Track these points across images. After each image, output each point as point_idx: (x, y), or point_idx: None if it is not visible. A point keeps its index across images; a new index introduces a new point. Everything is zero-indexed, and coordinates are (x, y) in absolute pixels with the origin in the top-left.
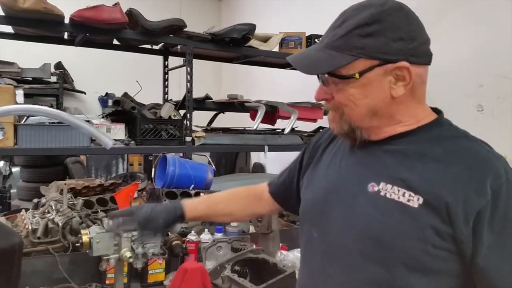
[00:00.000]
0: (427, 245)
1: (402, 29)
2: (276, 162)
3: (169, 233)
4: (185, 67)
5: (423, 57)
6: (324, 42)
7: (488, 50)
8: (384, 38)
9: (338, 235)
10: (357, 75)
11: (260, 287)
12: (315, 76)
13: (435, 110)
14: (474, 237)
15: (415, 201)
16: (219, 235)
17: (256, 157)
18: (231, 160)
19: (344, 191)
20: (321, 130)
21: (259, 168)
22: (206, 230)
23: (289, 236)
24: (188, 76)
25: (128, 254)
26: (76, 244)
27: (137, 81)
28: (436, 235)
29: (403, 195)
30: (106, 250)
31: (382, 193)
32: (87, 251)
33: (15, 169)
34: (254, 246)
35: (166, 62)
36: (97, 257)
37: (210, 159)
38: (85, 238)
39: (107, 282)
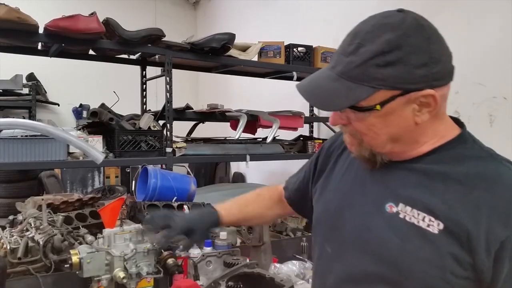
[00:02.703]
0: (446, 273)
1: (424, 52)
2: (256, 172)
3: (162, 250)
4: (162, 77)
5: (448, 77)
6: (337, 69)
7: (464, 58)
8: (406, 66)
9: (354, 257)
10: (378, 107)
11: None
12: (293, 84)
13: (456, 121)
14: (495, 266)
15: (435, 226)
16: (208, 249)
17: (235, 166)
18: (210, 171)
19: (359, 208)
20: (301, 138)
21: (239, 178)
22: (194, 244)
23: (278, 247)
24: (168, 86)
25: (122, 274)
26: (65, 265)
27: (114, 92)
28: (456, 263)
29: (423, 220)
30: (98, 271)
31: (401, 216)
32: (77, 272)
33: None
34: (248, 260)
35: (144, 72)
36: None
37: (189, 170)
38: (75, 259)
39: None
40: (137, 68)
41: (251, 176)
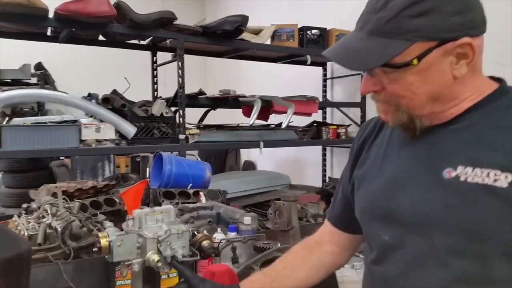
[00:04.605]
0: None
1: (457, 0)
2: (267, 160)
3: (195, 232)
4: (173, 63)
5: (482, 26)
6: (366, 28)
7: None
8: (439, 14)
9: (418, 235)
10: (415, 61)
11: None
12: (307, 70)
13: (493, 78)
14: None
15: (503, 180)
16: (232, 235)
17: (246, 155)
18: (220, 159)
19: (411, 185)
20: (314, 124)
21: (250, 166)
22: (219, 229)
23: (305, 233)
24: (180, 71)
25: (156, 257)
26: (94, 249)
27: (125, 78)
28: None
29: (488, 176)
30: (129, 255)
31: (462, 178)
32: (106, 256)
33: None
34: (279, 245)
35: (155, 58)
36: (104, 264)
37: (199, 159)
38: (104, 242)
39: None
40: (147, 54)
41: (262, 165)
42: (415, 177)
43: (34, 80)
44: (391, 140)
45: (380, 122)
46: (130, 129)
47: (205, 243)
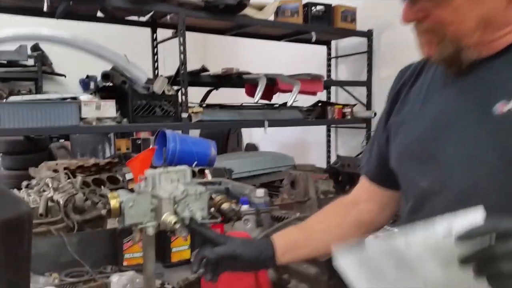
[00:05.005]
0: None
1: None
2: (270, 142)
3: (212, 196)
4: (172, 40)
5: None
6: None
7: None
8: None
9: (461, 178)
10: None
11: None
12: (311, 49)
13: None
14: None
15: None
16: (245, 207)
17: (248, 137)
18: (221, 141)
19: (458, 123)
20: (319, 104)
21: (252, 148)
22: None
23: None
24: (182, 47)
25: (172, 218)
26: (102, 212)
27: (125, 55)
28: None
29: None
30: (142, 217)
31: None
32: (117, 219)
33: None
34: (298, 214)
35: (155, 35)
36: (111, 236)
37: None
38: (114, 203)
39: (124, 263)
40: (146, 32)
41: (264, 147)
42: (462, 116)
43: (31, 61)
44: (432, 81)
45: (420, 65)
46: (141, 74)
47: (226, 205)
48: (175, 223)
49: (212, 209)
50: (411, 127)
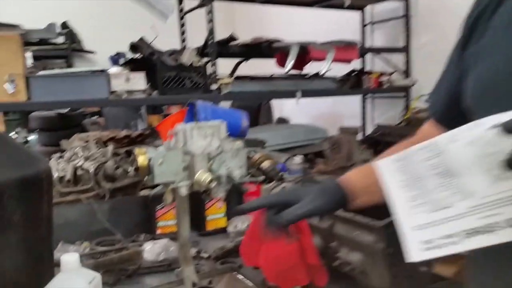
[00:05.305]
0: None
1: None
2: (302, 115)
3: (249, 156)
4: (200, 9)
5: None
6: None
7: None
8: None
9: None
10: None
11: (384, 222)
12: (344, 16)
13: None
14: None
15: None
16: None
17: (278, 111)
18: (252, 115)
19: None
20: (354, 73)
21: (283, 122)
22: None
23: None
24: (209, 15)
25: (207, 176)
26: (128, 171)
27: (152, 27)
28: None
29: None
30: (174, 175)
31: None
32: (146, 177)
33: (30, 138)
34: None
35: (181, 5)
36: (143, 203)
37: None
38: (142, 160)
39: (158, 231)
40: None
41: (295, 120)
42: None
43: (61, 39)
44: None
45: None
46: (166, 4)
47: (266, 163)
48: (210, 181)
49: (251, 169)
50: (495, 55)
